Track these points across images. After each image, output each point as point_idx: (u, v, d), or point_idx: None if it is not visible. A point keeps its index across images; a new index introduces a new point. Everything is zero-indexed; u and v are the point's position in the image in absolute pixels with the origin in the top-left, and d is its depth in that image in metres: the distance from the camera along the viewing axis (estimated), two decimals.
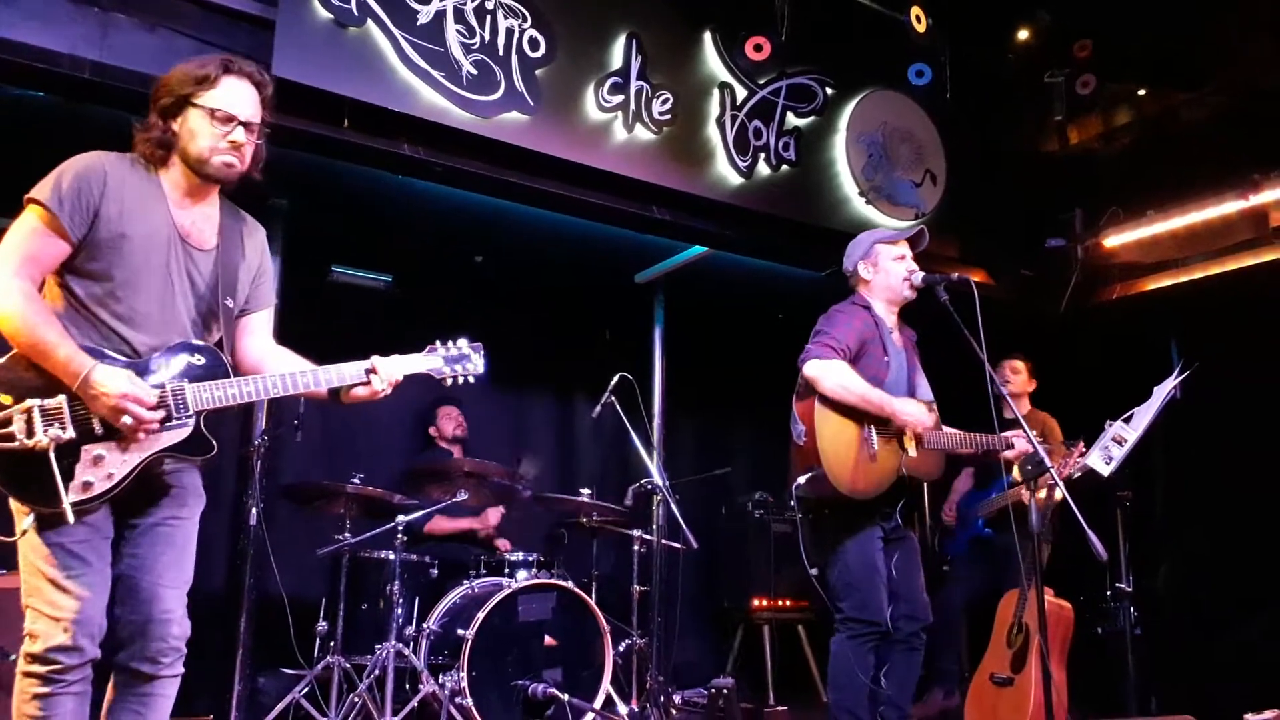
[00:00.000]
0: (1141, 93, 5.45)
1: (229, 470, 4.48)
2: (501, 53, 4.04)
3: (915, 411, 3.29)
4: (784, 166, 4.88)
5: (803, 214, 4.95)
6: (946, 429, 3.42)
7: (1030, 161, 5.86)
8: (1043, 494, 3.93)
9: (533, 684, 3.95)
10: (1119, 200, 5.62)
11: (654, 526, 4.93)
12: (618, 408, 4.51)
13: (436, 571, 4.56)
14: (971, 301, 2.95)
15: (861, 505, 3.25)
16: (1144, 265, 5.62)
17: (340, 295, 5.41)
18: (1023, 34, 5.48)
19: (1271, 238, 5.04)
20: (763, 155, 4.80)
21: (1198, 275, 5.35)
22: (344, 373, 2.28)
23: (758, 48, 4.76)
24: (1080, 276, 5.76)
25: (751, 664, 5.67)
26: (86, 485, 1.99)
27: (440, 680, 3.88)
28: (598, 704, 4.12)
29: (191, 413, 2.10)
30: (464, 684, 3.80)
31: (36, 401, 1.96)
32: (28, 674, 1.99)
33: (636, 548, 4.78)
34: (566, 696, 3.90)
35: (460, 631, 3.95)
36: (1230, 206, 5.08)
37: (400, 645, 3.96)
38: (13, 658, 2.07)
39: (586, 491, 4.67)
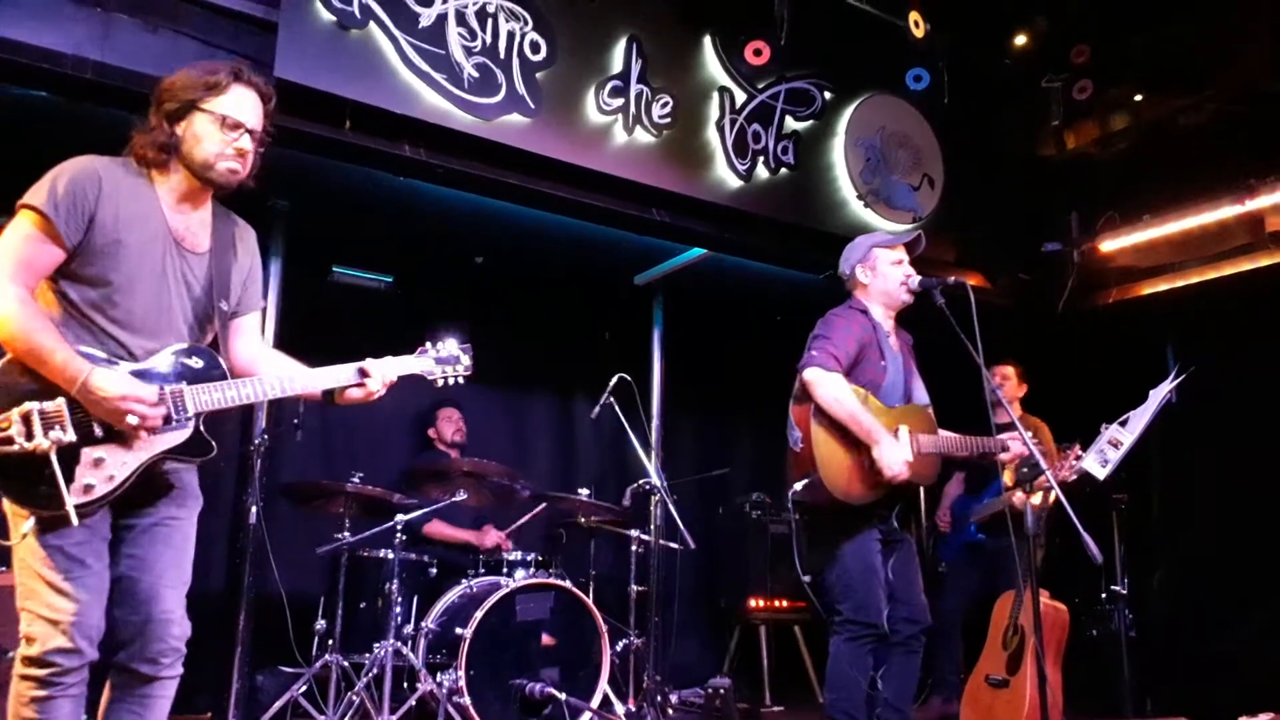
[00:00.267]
0: (1138, 98, 5.46)
1: (229, 469, 4.49)
2: (503, 55, 4.06)
3: (894, 457, 3.15)
4: (783, 170, 4.90)
5: (801, 217, 4.97)
6: (943, 432, 3.42)
7: (1027, 166, 5.88)
8: (1038, 497, 3.96)
9: (530, 683, 3.96)
10: (1116, 205, 5.64)
11: (652, 527, 4.94)
12: (616, 409, 4.53)
13: (435, 570, 4.58)
14: (968, 305, 2.97)
15: (859, 509, 3.25)
16: (1140, 270, 5.63)
17: (341, 296, 5.42)
18: (1020, 39, 5.50)
19: (1267, 243, 5.05)
20: (762, 159, 4.82)
21: (1194, 280, 5.37)
22: (338, 375, 2.29)
23: (757, 52, 4.79)
24: (1077, 281, 5.78)
25: (748, 664, 5.68)
26: (88, 488, 1.99)
27: (438, 679, 3.89)
28: (595, 703, 4.13)
29: (191, 415, 2.10)
30: (462, 683, 3.81)
31: (36, 404, 1.95)
32: (25, 677, 1.98)
33: (634, 548, 4.80)
34: (564, 696, 3.91)
35: (458, 630, 3.97)
36: (1226, 211, 5.10)
37: (398, 644, 3.97)
38: (11, 655, 2.06)
39: (585, 491, 4.69)
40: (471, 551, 4.76)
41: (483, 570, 4.45)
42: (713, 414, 6.61)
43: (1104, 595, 4.64)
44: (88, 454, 2.00)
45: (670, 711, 4.65)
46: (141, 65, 3.38)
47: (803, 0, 4.86)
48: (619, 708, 4.32)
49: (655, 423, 5.37)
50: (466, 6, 3.99)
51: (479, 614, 3.95)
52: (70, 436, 1.97)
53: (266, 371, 2.28)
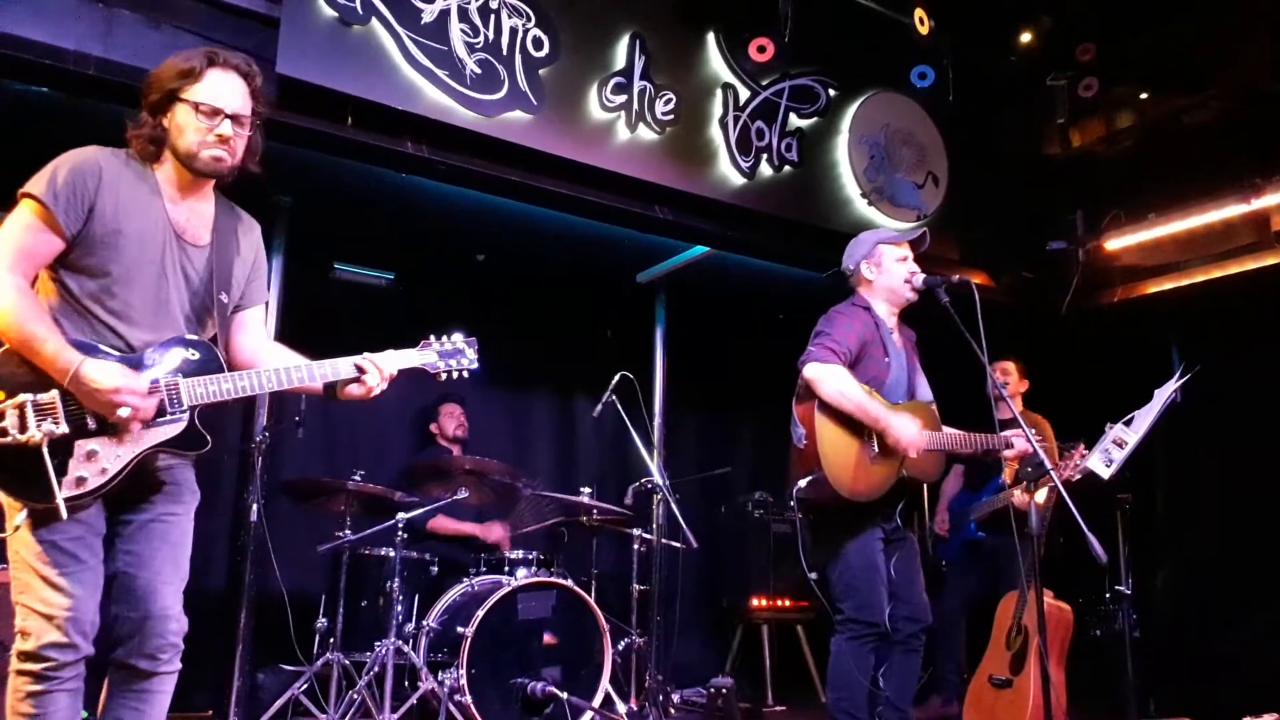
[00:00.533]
0: (1144, 96, 5.45)
1: (230, 467, 4.49)
2: (505, 52, 4.05)
3: (910, 431, 3.18)
4: (786, 167, 4.89)
5: (804, 215, 4.96)
6: (947, 429, 3.41)
7: (1032, 164, 5.87)
8: (1042, 495, 3.94)
9: (532, 682, 3.95)
10: (1120, 203, 5.63)
11: (654, 525, 4.93)
12: (619, 407, 4.51)
13: (436, 569, 4.58)
14: (972, 303, 2.95)
15: (862, 507, 3.24)
16: (1145, 268, 5.62)
17: (342, 293, 5.41)
18: (1025, 37, 5.49)
19: (1273, 242, 5.04)
20: (765, 156, 4.81)
21: (1199, 279, 5.36)
22: (337, 368, 2.27)
23: (761, 49, 4.77)
24: (1081, 279, 5.77)
25: (750, 663, 5.67)
26: (80, 480, 1.98)
27: (439, 677, 3.88)
28: (596, 702, 4.12)
29: (185, 407, 2.09)
30: (463, 681, 3.80)
31: (29, 396, 1.94)
32: (20, 671, 1.98)
33: (636, 547, 4.80)
34: (565, 695, 3.90)
35: (460, 629, 3.96)
36: (1232, 210, 5.09)
37: (400, 642, 3.97)
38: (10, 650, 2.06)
39: (587, 490, 4.68)
40: (474, 549, 4.75)
41: (484, 569, 4.44)
42: (715, 412, 6.60)
43: (1108, 595, 4.62)
44: (80, 446, 1.99)
45: (672, 711, 4.64)
46: (143, 61, 3.37)
47: None
48: (621, 707, 4.31)
49: (657, 421, 5.36)
50: (469, 3, 3.98)
51: (480, 612, 3.94)
52: (63, 429, 1.96)
53: (265, 364, 2.27)
